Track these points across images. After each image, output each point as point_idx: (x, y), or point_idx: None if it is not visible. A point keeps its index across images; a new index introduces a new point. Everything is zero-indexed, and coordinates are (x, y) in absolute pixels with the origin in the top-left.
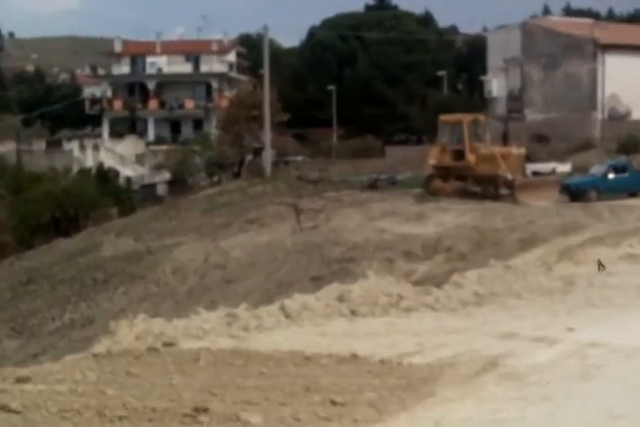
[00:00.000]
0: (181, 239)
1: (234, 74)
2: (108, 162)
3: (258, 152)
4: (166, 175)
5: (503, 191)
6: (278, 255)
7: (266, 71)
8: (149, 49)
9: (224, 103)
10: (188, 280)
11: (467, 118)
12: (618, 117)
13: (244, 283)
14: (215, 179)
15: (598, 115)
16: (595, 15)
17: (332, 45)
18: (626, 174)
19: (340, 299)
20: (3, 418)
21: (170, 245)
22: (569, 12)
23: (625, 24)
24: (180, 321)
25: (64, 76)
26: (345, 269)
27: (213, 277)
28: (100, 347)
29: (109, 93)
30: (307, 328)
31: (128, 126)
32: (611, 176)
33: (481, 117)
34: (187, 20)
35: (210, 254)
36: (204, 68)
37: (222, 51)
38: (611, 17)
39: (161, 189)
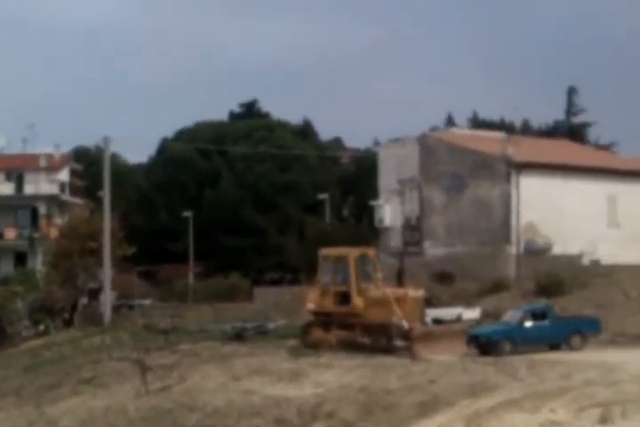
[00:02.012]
0: None
1: (66, 196)
2: None
3: (95, 294)
4: None
5: (398, 343)
6: (119, 424)
7: (106, 193)
8: None
9: (53, 233)
10: None
11: (353, 253)
12: (536, 252)
13: None
14: (41, 328)
15: (513, 249)
16: (507, 128)
17: (188, 161)
18: (546, 322)
19: None
20: None
21: None
22: (477, 123)
23: (544, 139)
24: None
25: None
26: None
27: None
28: None
29: None
30: None
31: None
32: (528, 324)
33: (370, 252)
34: (9, 128)
35: (32, 424)
36: (29, 188)
37: (52, 167)
38: (527, 130)
39: None
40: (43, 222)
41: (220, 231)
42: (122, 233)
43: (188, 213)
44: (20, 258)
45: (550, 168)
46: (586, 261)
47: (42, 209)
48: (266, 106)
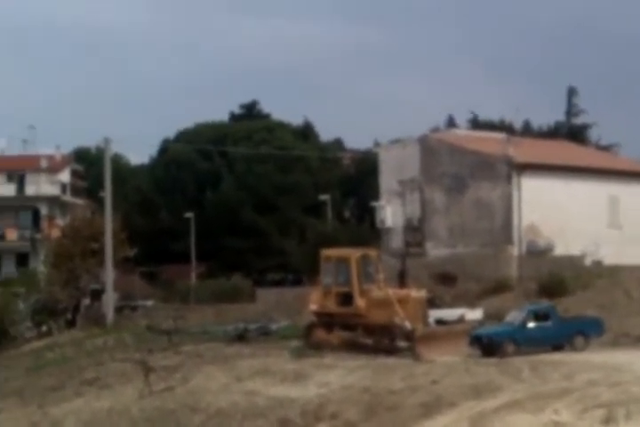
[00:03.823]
0: None
1: (67, 197)
2: None
3: (97, 295)
4: None
5: (401, 344)
6: (122, 425)
7: (107, 194)
8: None
9: (55, 233)
10: None
11: (355, 254)
12: (538, 253)
13: None
14: (44, 329)
15: (514, 250)
16: (508, 128)
17: (189, 162)
18: (549, 322)
19: None
20: None
21: None
22: (477, 124)
23: (544, 140)
24: None
25: None
26: None
27: None
28: None
29: None
30: None
31: None
32: (531, 325)
33: (372, 253)
34: (9, 129)
35: (36, 424)
36: (30, 189)
37: (53, 168)
38: (527, 131)
39: None
40: (44, 223)
41: (221, 232)
42: (124, 234)
43: (189, 214)
44: (22, 259)
45: (551, 169)
46: (588, 261)
47: (43, 210)
48: (266, 107)
